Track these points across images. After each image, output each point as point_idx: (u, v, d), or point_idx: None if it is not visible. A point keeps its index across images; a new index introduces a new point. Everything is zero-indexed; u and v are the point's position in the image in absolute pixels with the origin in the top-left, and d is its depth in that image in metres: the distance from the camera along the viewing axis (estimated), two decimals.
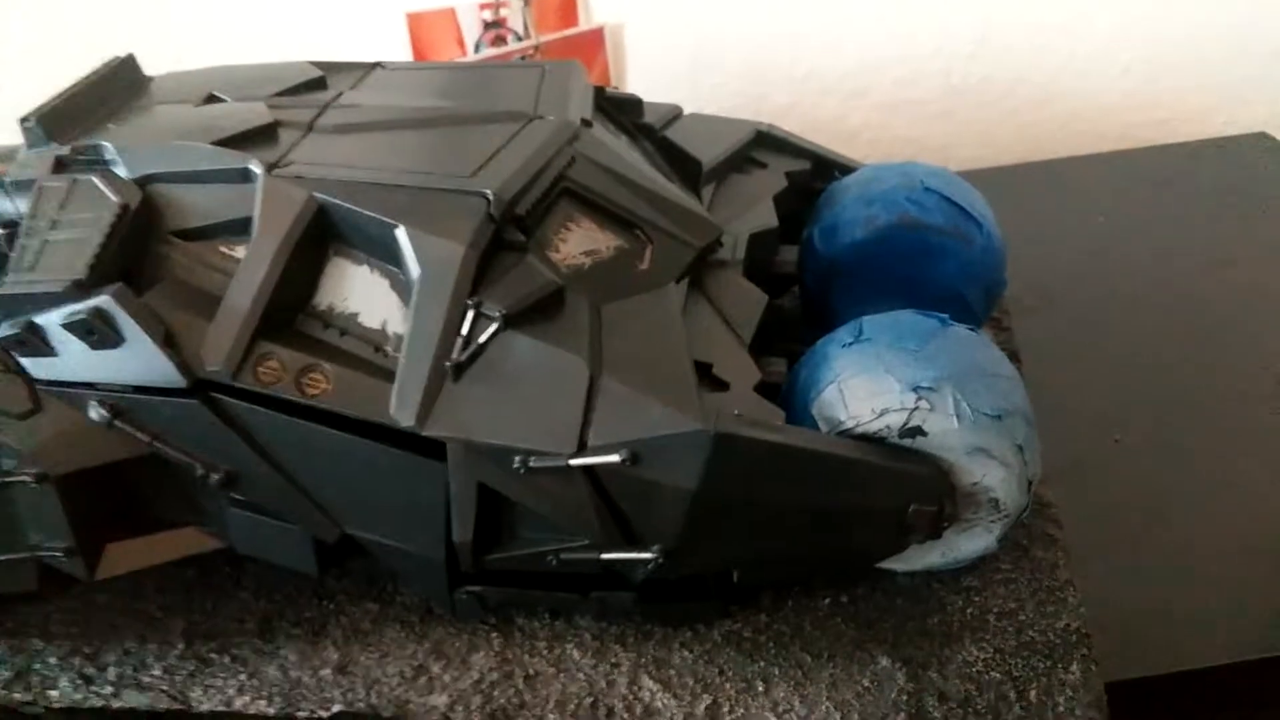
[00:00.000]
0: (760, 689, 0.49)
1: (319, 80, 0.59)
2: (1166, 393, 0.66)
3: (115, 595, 0.54)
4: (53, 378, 0.48)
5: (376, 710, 0.49)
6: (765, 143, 0.66)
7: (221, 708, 0.50)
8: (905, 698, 0.47)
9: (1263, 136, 0.94)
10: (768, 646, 0.50)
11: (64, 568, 0.51)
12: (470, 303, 0.46)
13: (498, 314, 0.46)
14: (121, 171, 0.50)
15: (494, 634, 0.52)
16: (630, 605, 0.51)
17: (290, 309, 0.48)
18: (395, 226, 0.47)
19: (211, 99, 0.56)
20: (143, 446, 0.49)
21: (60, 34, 0.92)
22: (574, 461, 0.44)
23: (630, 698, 0.49)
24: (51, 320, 0.47)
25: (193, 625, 0.53)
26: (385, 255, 0.48)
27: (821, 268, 0.60)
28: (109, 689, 0.51)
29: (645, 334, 0.48)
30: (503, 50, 0.96)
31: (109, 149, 0.51)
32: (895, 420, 0.46)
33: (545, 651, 0.51)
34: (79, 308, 0.46)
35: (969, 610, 0.51)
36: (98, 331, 0.46)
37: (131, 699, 0.50)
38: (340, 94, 0.57)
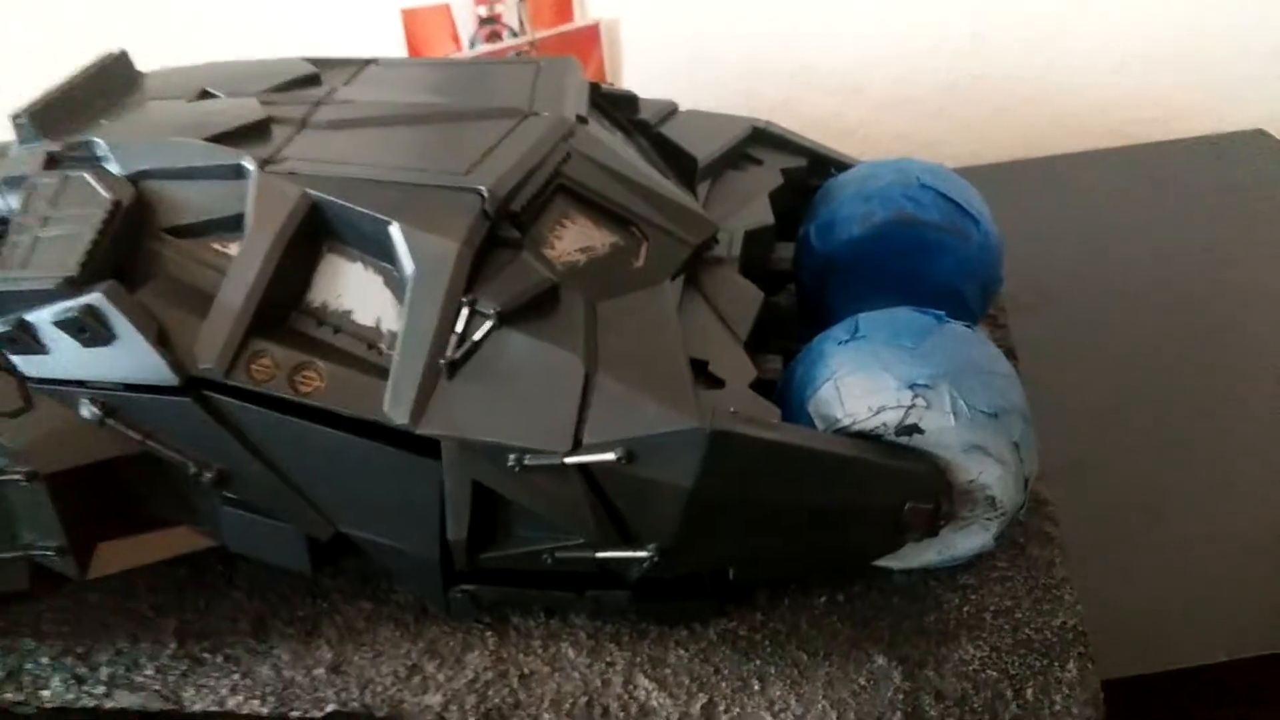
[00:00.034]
0: (756, 688, 0.48)
1: (312, 76, 0.58)
2: (1163, 390, 0.66)
3: (107, 594, 0.54)
4: (44, 375, 0.48)
5: (370, 710, 0.49)
6: (761, 139, 0.66)
7: (214, 708, 0.50)
8: (901, 696, 0.47)
9: (1259, 134, 0.94)
10: (764, 645, 0.50)
11: (56, 567, 0.51)
12: (465, 300, 0.46)
13: (492, 311, 0.45)
14: (114, 168, 0.50)
15: (489, 633, 0.52)
16: (625, 604, 0.51)
17: (283, 306, 0.48)
18: (389, 223, 0.46)
19: (204, 95, 0.56)
20: (135, 445, 0.48)
21: (60, 34, 0.92)
22: (569, 460, 0.44)
23: (625, 697, 0.49)
24: (43, 317, 0.46)
25: (185, 624, 0.53)
26: (379, 252, 0.47)
27: (818, 265, 0.60)
28: (101, 689, 0.51)
29: (641, 331, 0.48)
30: (498, 46, 0.96)
31: (101, 145, 0.50)
32: (892, 418, 0.46)
33: (540, 650, 0.51)
34: (70, 305, 0.46)
35: (965, 608, 0.51)
36: (89, 329, 0.46)
37: (124, 699, 0.50)
38: (334, 90, 0.57)
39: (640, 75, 0.97)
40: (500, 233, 0.47)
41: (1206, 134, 0.95)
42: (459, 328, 0.45)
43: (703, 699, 0.48)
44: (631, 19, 0.96)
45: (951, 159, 0.74)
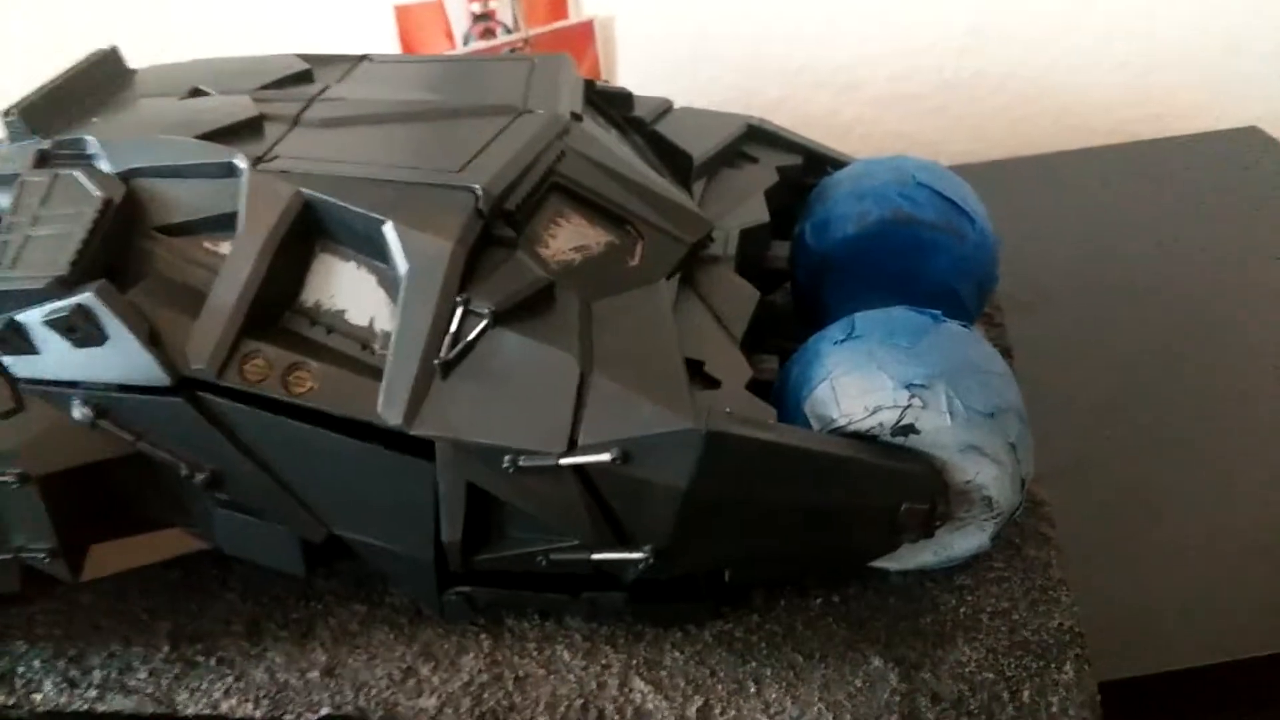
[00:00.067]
0: (752, 690, 0.48)
1: (305, 73, 0.58)
2: (1160, 389, 0.66)
3: (100, 597, 0.54)
4: (35, 376, 0.48)
5: (365, 713, 0.49)
6: (756, 137, 0.66)
7: (208, 711, 0.49)
8: (898, 698, 0.47)
9: (1254, 131, 0.93)
10: (760, 647, 0.50)
11: (47, 569, 0.50)
12: (459, 299, 0.45)
13: (487, 311, 0.45)
14: (104, 166, 0.49)
15: (483, 635, 0.51)
16: (621, 606, 0.50)
17: (276, 306, 0.48)
18: (382, 222, 0.46)
19: (196, 92, 0.56)
20: (127, 446, 0.48)
21: (60, 34, 0.91)
22: (564, 460, 0.44)
23: (621, 699, 0.48)
24: (33, 317, 0.46)
25: (178, 627, 0.53)
26: (373, 251, 0.47)
27: (813, 263, 0.59)
28: (94, 692, 0.50)
29: (636, 331, 0.47)
30: (492, 43, 0.95)
31: (92, 143, 0.50)
32: (888, 418, 0.46)
33: (535, 653, 0.51)
34: (61, 305, 0.45)
35: (962, 610, 0.50)
36: (80, 329, 0.46)
37: (117, 702, 0.50)
38: (327, 87, 0.56)
39: (635, 72, 0.97)
40: (494, 231, 0.47)
41: (1202, 131, 0.95)
42: (453, 328, 0.45)
43: (699, 701, 0.48)
44: (626, 16, 0.96)
45: (948, 157, 0.74)
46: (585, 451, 0.44)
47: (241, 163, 0.48)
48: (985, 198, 0.61)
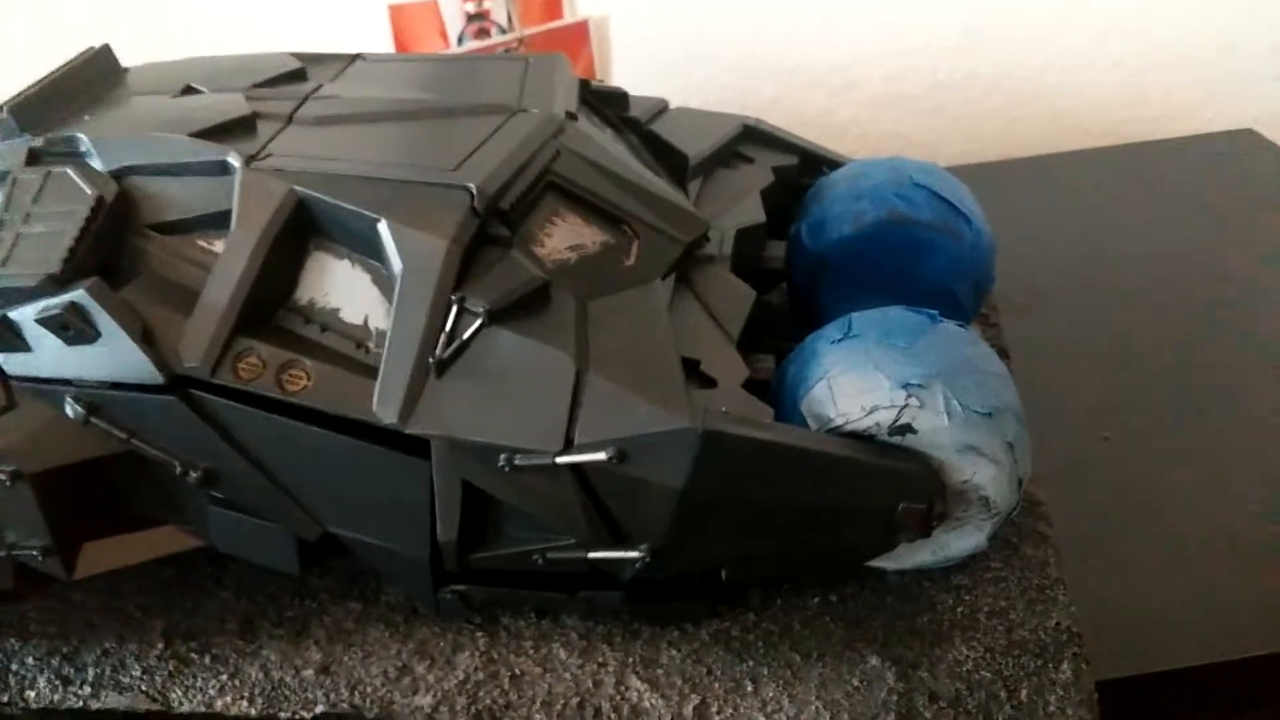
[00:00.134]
0: (749, 688, 0.48)
1: (299, 72, 0.58)
2: (1156, 389, 0.66)
3: (93, 594, 0.54)
4: (27, 374, 0.47)
5: (360, 711, 0.49)
6: (752, 137, 0.66)
7: (202, 709, 0.49)
8: (895, 697, 0.47)
9: (1249, 133, 0.94)
10: (756, 646, 0.50)
11: (41, 567, 0.50)
12: (454, 298, 0.45)
13: (482, 310, 0.45)
14: (97, 164, 0.49)
15: (479, 634, 0.51)
16: (617, 604, 0.50)
17: (270, 304, 0.48)
18: (377, 220, 0.46)
19: (189, 90, 0.55)
20: (120, 444, 0.48)
21: (60, 33, 0.91)
22: (560, 459, 0.44)
23: (617, 698, 0.48)
24: (25, 315, 0.46)
25: (172, 625, 0.53)
26: (367, 249, 0.47)
27: (809, 263, 0.59)
28: (87, 690, 0.50)
29: (632, 330, 0.47)
30: (486, 43, 0.95)
31: (84, 141, 0.50)
32: (885, 418, 0.46)
33: (531, 651, 0.50)
34: (53, 302, 0.45)
35: (959, 609, 0.50)
36: (73, 327, 0.45)
37: (110, 700, 0.50)
38: (320, 86, 0.56)
39: (630, 73, 0.96)
40: (489, 230, 0.47)
41: (1197, 133, 0.95)
42: (448, 326, 0.45)
43: (695, 700, 0.48)
44: (621, 16, 0.96)
45: (944, 158, 0.74)
46: (581, 450, 0.43)
47: (235, 161, 0.48)
48: (981, 199, 0.61)
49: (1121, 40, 0.96)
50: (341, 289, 0.48)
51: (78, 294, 0.45)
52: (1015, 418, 0.48)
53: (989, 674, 0.48)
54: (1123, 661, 0.50)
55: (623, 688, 0.49)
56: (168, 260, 0.48)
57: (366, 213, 0.46)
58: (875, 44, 0.96)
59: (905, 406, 0.46)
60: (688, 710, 0.47)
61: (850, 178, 0.61)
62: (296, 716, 0.49)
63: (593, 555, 0.47)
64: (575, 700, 0.48)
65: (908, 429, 0.46)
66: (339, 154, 0.49)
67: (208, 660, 0.51)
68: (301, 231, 0.48)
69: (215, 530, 0.51)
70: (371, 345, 0.47)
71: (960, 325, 0.50)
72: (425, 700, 0.49)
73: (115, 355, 0.46)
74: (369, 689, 0.49)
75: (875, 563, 0.51)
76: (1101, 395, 0.66)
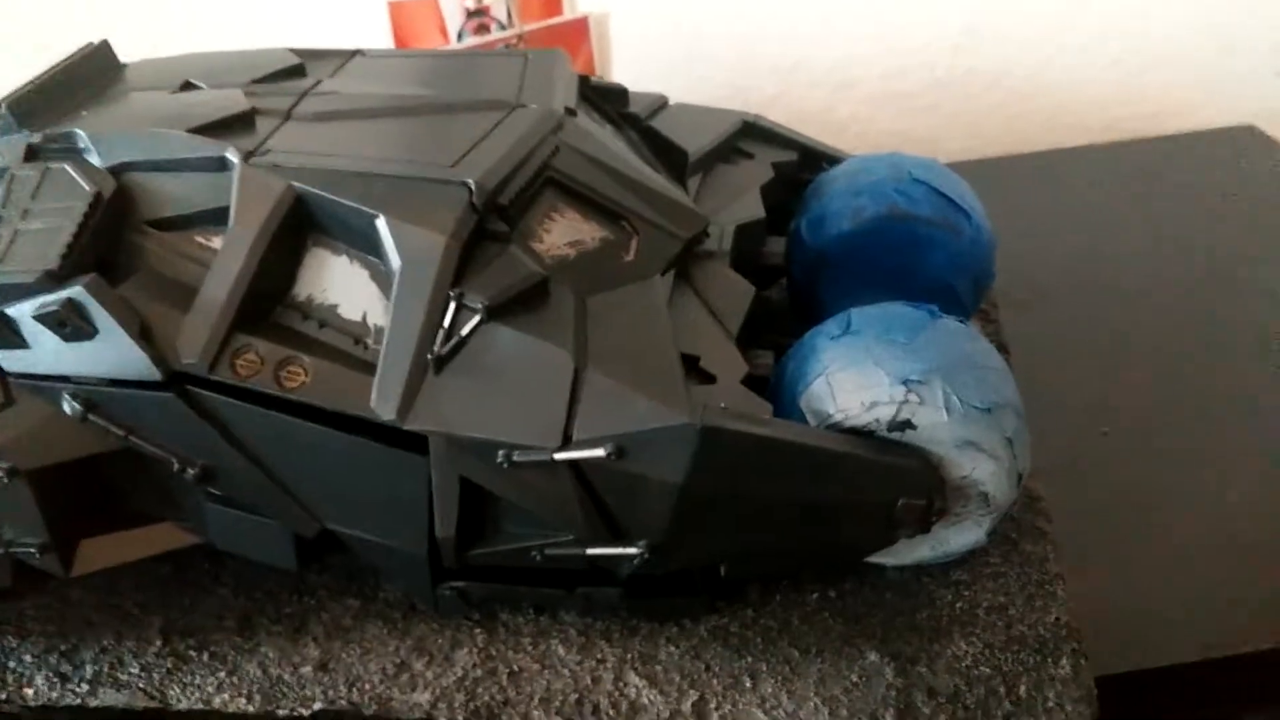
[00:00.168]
0: (747, 684, 0.48)
1: (297, 68, 0.58)
2: (1155, 385, 0.66)
3: (91, 592, 0.54)
4: (25, 371, 0.47)
5: (358, 708, 0.48)
6: (752, 133, 0.66)
7: (200, 706, 0.49)
8: (894, 693, 0.47)
9: (1249, 130, 0.94)
10: (755, 642, 0.50)
11: (38, 564, 0.50)
12: (452, 294, 0.45)
13: (480, 306, 0.45)
14: (95, 160, 0.49)
15: (478, 630, 0.51)
16: (616, 601, 0.50)
17: (268, 300, 0.48)
18: (375, 216, 0.46)
19: (187, 86, 0.55)
20: (118, 441, 0.48)
21: (60, 34, 0.91)
22: (559, 456, 0.44)
23: (616, 694, 0.48)
24: (23, 312, 0.46)
25: (170, 622, 0.52)
26: (365, 246, 0.47)
27: (809, 259, 0.59)
28: (85, 687, 0.50)
29: (631, 326, 0.47)
30: (485, 39, 0.95)
31: (82, 137, 0.50)
32: (884, 413, 0.46)
33: (530, 648, 0.50)
34: (51, 299, 0.45)
35: (958, 605, 0.50)
36: (70, 323, 0.45)
37: (108, 697, 0.50)
38: (319, 81, 0.56)
39: (629, 69, 0.96)
40: (488, 226, 0.47)
41: (1197, 130, 0.95)
42: (446, 322, 0.45)
43: (694, 696, 0.48)
44: (621, 12, 0.95)
45: (943, 155, 0.74)
46: (580, 447, 0.43)
47: (233, 157, 0.48)
48: (981, 195, 0.61)
49: (1121, 37, 0.96)
50: (340, 285, 0.48)
51: (75, 290, 0.45)
52: (1015, 413, 0.48)
53: (988, 669, 0.48)
54: (1121, 657, 0.50)
55: (621, 684, 0.49)
56: (166, 256, 0.48)
57: (365, 209, 0.46)
58: (874, 42, 0.96)
59: (905, 402, 0.46)
60: (686, 706, 0.47)
61: (850, 173, 0.61)
62: (294, 713, 0.48)
63: (591, 551, 0.47)
64: (574, 696, 0.48)
65: (907, 425, 0.46)
66: (337, 150, 0.49)
67: (206, 657, 0.51)
68: (300, 227, 0.47)
69: (213, 527, 0.51)
70: (370, 341, 0.47)
71: (960, 321, 0.50)
72: (423, 697, 0.49)
73: (113, 352, 0.46)
74: (367, 686, 0.49)
75: (874, 558, 0.51)
76: (1101, 391, 0.66)
